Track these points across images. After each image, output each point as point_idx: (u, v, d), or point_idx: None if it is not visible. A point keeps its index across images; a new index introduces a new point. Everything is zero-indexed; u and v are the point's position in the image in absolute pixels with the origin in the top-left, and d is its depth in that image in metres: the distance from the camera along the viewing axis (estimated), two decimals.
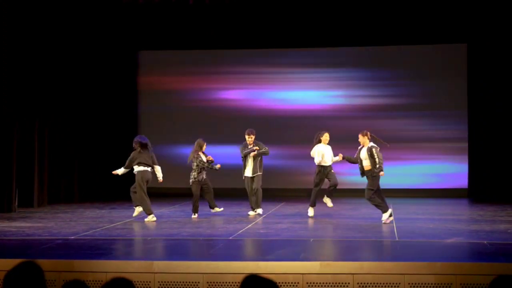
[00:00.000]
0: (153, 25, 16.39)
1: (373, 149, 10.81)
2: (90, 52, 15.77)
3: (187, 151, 16.73)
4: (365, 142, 10.94)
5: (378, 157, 10.75)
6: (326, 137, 11.87)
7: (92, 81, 15.86)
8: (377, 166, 10.73)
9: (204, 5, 15.44)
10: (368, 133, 11.04)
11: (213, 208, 12.50)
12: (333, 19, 16.05)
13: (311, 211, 11.96)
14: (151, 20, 16.26)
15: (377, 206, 10.89)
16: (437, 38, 15.97)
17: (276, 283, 3.47)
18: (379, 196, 10.90)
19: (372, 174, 10.77)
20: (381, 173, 10.74)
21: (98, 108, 15.95)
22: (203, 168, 12.15)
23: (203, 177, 12.17)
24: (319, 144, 11.82)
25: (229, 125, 16.69)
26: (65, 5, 15.02)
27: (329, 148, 11.85)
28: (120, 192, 15.07)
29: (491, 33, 15.31)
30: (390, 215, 10.90)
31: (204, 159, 12.16)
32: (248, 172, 12.44)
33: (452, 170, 16.09)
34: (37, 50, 14.45)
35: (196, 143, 12.31)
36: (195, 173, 12.15)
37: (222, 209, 12.60)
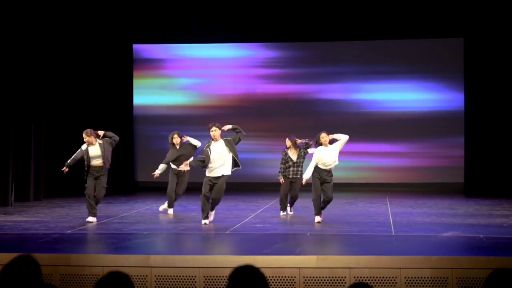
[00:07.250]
0: (148, 19, 16.31)
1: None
2: (85, 47, 15.69)
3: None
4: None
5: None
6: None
7: (88, 76, 15.79)
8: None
9: None
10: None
11: None
12: (329, 13, 15.99)
13: None
14: (146, 14, 16.18)
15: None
16: (434, 32, 15.94)
17: (265, 277, 3.47)
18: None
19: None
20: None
21: (94, 102, 15.88)
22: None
23: None
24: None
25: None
26: (59, 1, 14.95)
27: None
28: (116, 187, 15.05)
29: (488, 27, 15.29)
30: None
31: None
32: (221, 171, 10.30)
33: (448, 164, 16.09)
34: (32, 46, 14.37)
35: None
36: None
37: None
